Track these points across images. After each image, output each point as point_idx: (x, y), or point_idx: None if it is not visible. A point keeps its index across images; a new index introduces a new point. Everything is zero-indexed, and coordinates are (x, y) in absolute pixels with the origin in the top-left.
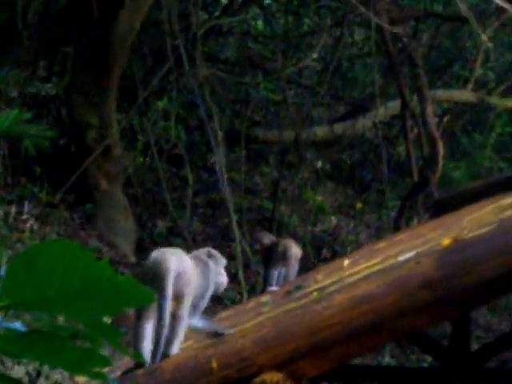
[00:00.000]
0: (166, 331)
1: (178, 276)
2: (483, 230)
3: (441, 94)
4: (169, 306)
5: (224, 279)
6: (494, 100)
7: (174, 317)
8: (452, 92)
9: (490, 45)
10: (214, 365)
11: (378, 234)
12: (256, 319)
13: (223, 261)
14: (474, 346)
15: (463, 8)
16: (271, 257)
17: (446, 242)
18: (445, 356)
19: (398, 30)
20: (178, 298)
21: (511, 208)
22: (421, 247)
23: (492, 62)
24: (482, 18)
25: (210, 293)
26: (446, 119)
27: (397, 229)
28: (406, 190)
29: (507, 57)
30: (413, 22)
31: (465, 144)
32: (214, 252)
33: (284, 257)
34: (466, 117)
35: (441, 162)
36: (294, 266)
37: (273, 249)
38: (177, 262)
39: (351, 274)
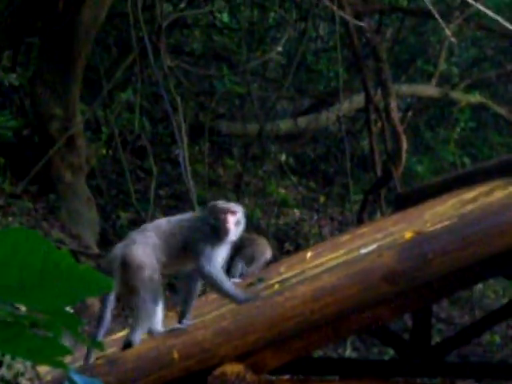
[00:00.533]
0: (106, 324)
1: (125, 266)
2: (445, 224)
3: (405, 88)
4: (110, 299)
5: (227, 225)
6: (457, 95)
7: (132, 307)
8: (416, 87)
9: (453, 40)
10: (176, 355)
11: (341, 228)
12: (217, 311)
13: (225, 207)
14: (435, 340)
15: (427, 3)
16: (239, 249)
17: (408, 235)
18: (406, 349)
19: (363, 23)
20: (131, 288)
21: (472, 202)
22: (383, 240)
23: (456, 57)
24: (446, 12)
25: (219, 242)
26: (409, 114)
27: (360, 222)
28: (369, 183)
29: (471, 52)
30: (377, 16)
31: (428, 139)
32: (212, 204)
33: (256, 258)
34: (430, 111)
35: (404, 157)
36: (262, 267)
37: (241, 241)
38: (121, 253)
39: (314, 267)
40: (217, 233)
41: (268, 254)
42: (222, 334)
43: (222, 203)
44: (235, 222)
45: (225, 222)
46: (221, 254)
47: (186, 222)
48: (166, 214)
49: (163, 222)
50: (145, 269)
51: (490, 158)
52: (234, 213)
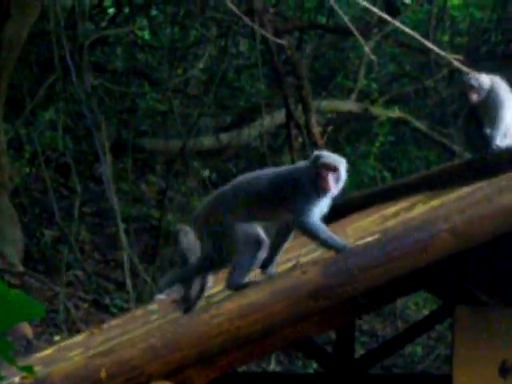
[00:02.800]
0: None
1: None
2: (367, 239)
3: (325, 104)
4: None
5: (326, 183)
6: (376, 110)
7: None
8: (336, 102)
9: (372, 56)
10: (103, 374)
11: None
12: (144, 328)
13: (326, 162)
14: (359, 352)
15: (346, 20)
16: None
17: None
18: (330, 362)
19: (283, 41)
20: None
21: (394, 217)
22: (307, 256)
23: (375, 73)
24: (365, 29)
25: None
26: (330, 129)
27: None
28: None
29: (390, 68)
30: (297, 32)
31: (348, 153)
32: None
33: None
34: (350, 126)
35: None
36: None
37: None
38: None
39: None
40: (316, 188)
41: None
42: (150, 351)
43: (324, 158)
44: (336, 179)
45: (325, 179)
46: (320, 206)
47: (284, 174)
48: (90, 232)
49: (257, 174)
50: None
51: (410, 172)
52: (335, 170)
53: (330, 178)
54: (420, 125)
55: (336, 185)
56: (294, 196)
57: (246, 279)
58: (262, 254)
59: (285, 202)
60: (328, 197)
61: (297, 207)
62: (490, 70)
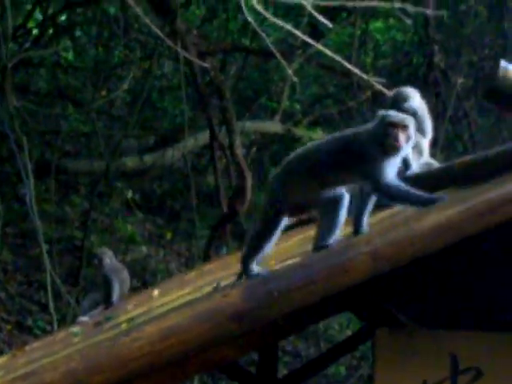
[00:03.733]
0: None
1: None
2: (289, 262)
3: (249, 125)
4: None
5: (397, 142)
6: (300, 131)
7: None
8: (260, 123)
9: (295, 79)
10: None
11: (189, 264)
12: (65, 351)
13: (395, 120)
14: (282, 372)
15: (269, 43)
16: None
17: None
18: (253, 383)
19: (206, 63)
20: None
21: None
22: (229, 278)
23: (298, 94)
24: (289, 51)
25: None
26: (254, 149)
27: (206, 258)
28: (215, 219)
29: (313, 89)
30: (221, 54)
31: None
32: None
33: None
34: (274, 147)
35: (249, 192)
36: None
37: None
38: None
39: (161, 305)
40: (385, 148)
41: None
42: (70, 375)
43: (392, 116)
44: (405, 138)
45: (393, 137)
46: (391, 165)
47: (347, 138)
48: (13, 253)
49: (327, 140)
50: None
51: None
52: (404, 127)
53: (400, 135)
54: None
55: (406, 143)
56: (362, 160)
57: (332, 240)
58: (344, 211)
59: (353, 167)
60: (397, 156)
61: (367, 171)
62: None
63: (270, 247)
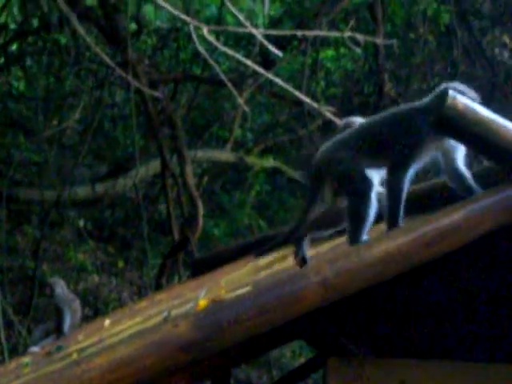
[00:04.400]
0: None
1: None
2: (239, 291)
3: (201, 153)
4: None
5: None
6: (252, 160)
7: None
8: (211, 152)
9: (246, 108)
10: None
11: (141, 292)
12: (16, 382)
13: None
14: None
15: (219, 72)
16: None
17: (203, 303)
18: None
19: (158, 92)
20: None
21: (267, 268)
22: (179, 308)
23: (250, 123)
24: (240, 80)
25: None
26: (206, 178)
27: (158, 287)
28: (167, 248)
29: (265, 118)
30: (173, 83)
31: (224, 202)
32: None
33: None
34: (226, 176)
35: (201, 221)
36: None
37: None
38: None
39: (112, 335)
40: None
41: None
42: None
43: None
44: None
45: None
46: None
47: (400, 114)
48: None
49: (373, 119)
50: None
51: (286, 221)
52: None
53: None
54: (295, 174)
55: None
56: (403, 140)
57: (365, 236)
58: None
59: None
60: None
61: (398, 153)
62: None
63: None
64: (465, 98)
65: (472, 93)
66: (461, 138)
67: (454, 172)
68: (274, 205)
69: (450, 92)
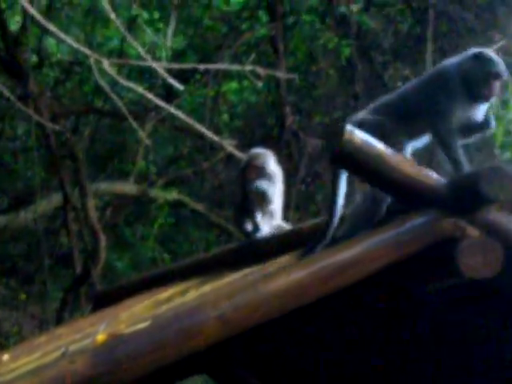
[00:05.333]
0: None
1: None
2: (139, 326)
3: (103, 186)
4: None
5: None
6: (155, 192)
7: None
8: (114, 185)
9: (147, 141)
10: None
11: (42, 326)
12: None
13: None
14: None
15: (121, 106)
16: None
17: (102, 337)
18: None
19: (59, 125)
20: None
21: (167, 303)
22: (78, 343)
23: (153, 156)
24: (144, 113)
25: None
26: (108, 211)
27: (60, 321)
28: (69, 281)
29: (168, 150)
30: (75, 116)
31: (128, 235)
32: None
33: None
34: (129, 208)
35: (103, 254)
36: None
37: None
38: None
39: (9, 371)
40: (476, 93)
41: None
42: None
43: (497, 65)
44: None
45: (492, 88)
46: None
47: (435, 74)
48: None
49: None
50: None
51: (190, 254)
52: (502, 80)
53: (497, 87)
54: (198, 206)
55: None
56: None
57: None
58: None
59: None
60: (483, 106)
61: (439, 110)
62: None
63: None
64: (362, 133)
65: (501, 63)
66: (358, 172)
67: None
68: (178, 237)
69: (347, 127)
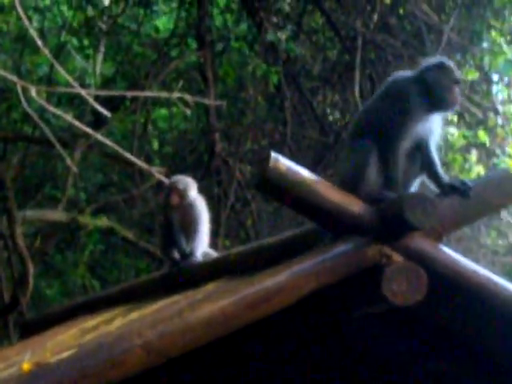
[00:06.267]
0: None
1: None
2: (65, 354)
3: (32, 214)
4: None
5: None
6: (85, 219)
7: None
8: (43, 212)
9: (75, 169)
10: None
11: None
12: None
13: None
14: None
15: (48, 133)
16: None
17: (27, 366)
18: None
19: None
20: None
21: (93, 331)
22: (4, 371)
23: (83, 183)
24: (73, 140)
25: None
26: (38, 239)
27: None
28: None
29: (98, 177)
30: (2, 143)
31: (57, 262)
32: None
33: None
34: (59, 236)
35: (31, 281)
36: None
37: None
38: None
39: None
40: (440, 102)
41: None
42: None
43: (454, 68)
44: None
45: (454, 93)
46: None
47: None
48: None
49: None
50: None
51: (120, 281)
52: (460, 86)
53: (457, 91)
54: (128, 233)
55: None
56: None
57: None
58: None
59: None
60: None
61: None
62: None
63: None
64: (287, 160)
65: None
66: (283, 199)
67: (425, 158)
68: (108, 264)
69: (272, 155)
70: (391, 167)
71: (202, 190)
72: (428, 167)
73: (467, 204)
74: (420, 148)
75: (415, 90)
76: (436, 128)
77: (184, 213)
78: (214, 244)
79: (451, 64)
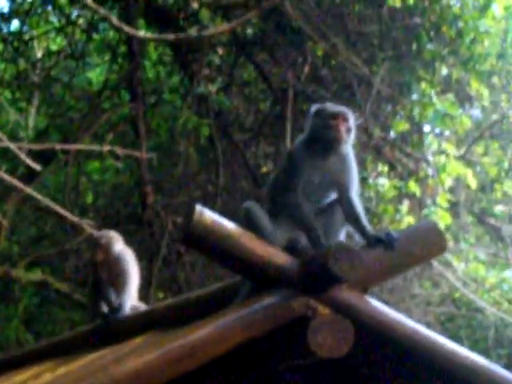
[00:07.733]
0: None
1: None
2: None
3: None
4: None
5: (339, 133)
6: (18, 273)
7: None
8: None
9: (4, 222)
10: None
11: None
12: None
13: (336, 111)
14: None
15: None
16: None
17: None
18: None
19: None
20: None
21: None
22: None
23: (16, 236)
24: (5, 192)
25: None
26: None
27: None
28: None
29: (31, 230)
30: None
31: None
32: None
33: None
34: None
35: None
36: None
37: None
38: None
39: None
40: (325, 141)
41: None
42: None
43: (330, 106)
44: (347, 129)
45: (336, 128)
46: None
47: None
48: None
49: None
50: None
51: (54, 334)
52: (345, 119)
53: (342, 126)
54: (63, 286)
55: (348, 136)
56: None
57: None
58: None
59: None
60: (339, 147)
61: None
62: (128, 233)
63: None
64: (212, 213)
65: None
66: (209, 253)
67: (347, 209)
68: (43, 318)
69: (197, 208)
70: (298, 221)
71: (135, 243)
72: (352, 219)
73: (393, 256)
74: (341, 199)
75: (302, 145)
76: (347, 172)
77: (110, 267)
78: (146, 296)
79: (327, 104)
